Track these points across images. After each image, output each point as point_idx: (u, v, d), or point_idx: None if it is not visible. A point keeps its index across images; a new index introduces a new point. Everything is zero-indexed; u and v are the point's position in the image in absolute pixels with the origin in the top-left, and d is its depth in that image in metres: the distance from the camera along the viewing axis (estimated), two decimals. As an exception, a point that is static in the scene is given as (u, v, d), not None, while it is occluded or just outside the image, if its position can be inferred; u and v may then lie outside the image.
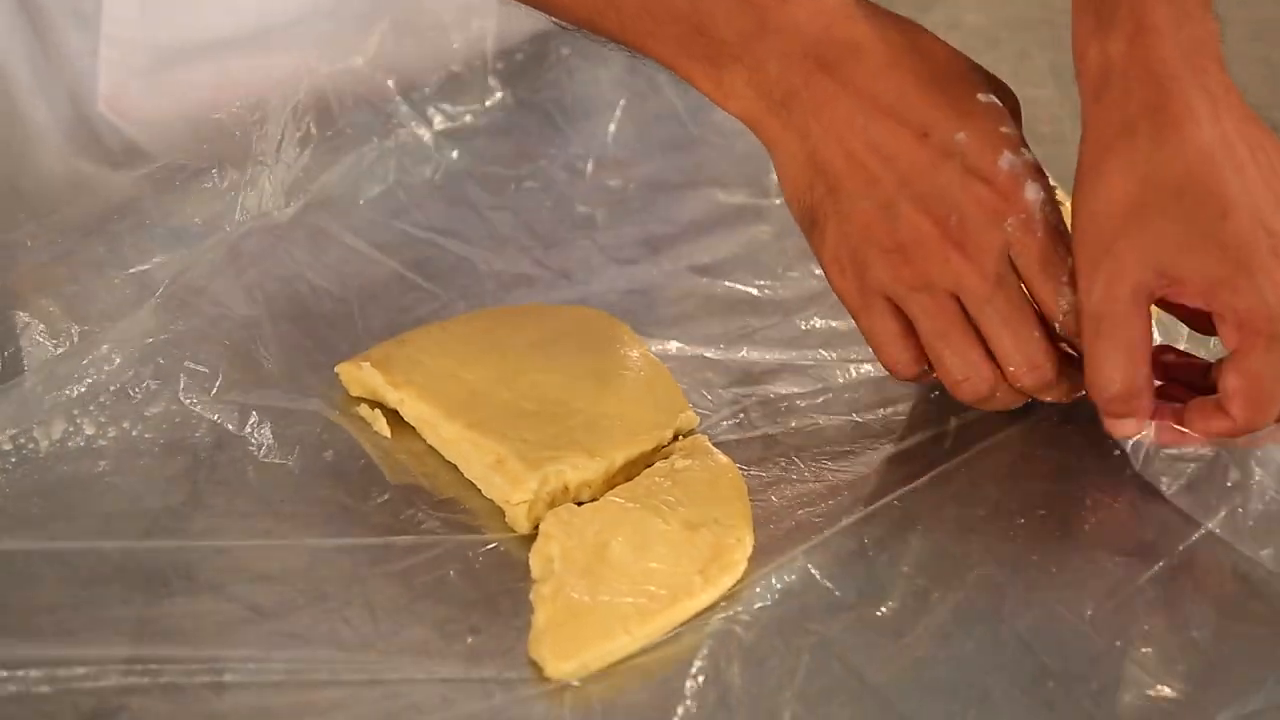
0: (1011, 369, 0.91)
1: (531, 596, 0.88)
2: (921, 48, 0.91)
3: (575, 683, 0.84)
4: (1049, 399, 0.94)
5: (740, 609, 0.88)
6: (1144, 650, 0.87)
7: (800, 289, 1.08)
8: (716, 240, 1.12)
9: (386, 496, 0.93)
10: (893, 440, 0.98)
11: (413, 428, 0.97)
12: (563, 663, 0.85)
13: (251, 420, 0.95)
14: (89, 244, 1.01)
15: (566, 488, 0.93)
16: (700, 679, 0.84)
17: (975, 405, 0.94)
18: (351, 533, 0.91)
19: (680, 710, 0.83)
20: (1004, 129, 0.90)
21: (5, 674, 0.82)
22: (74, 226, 1.02)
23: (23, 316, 0.97)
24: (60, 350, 0.96)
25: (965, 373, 0.91)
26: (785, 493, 0.94)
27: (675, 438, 0.97)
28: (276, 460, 0.94)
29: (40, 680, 0.82)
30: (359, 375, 0.98)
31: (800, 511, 0.93)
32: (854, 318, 0.93)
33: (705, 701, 0.83)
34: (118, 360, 0.97)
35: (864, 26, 0.91)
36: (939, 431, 0.98)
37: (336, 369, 0.99)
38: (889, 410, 0.99)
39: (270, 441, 0.95)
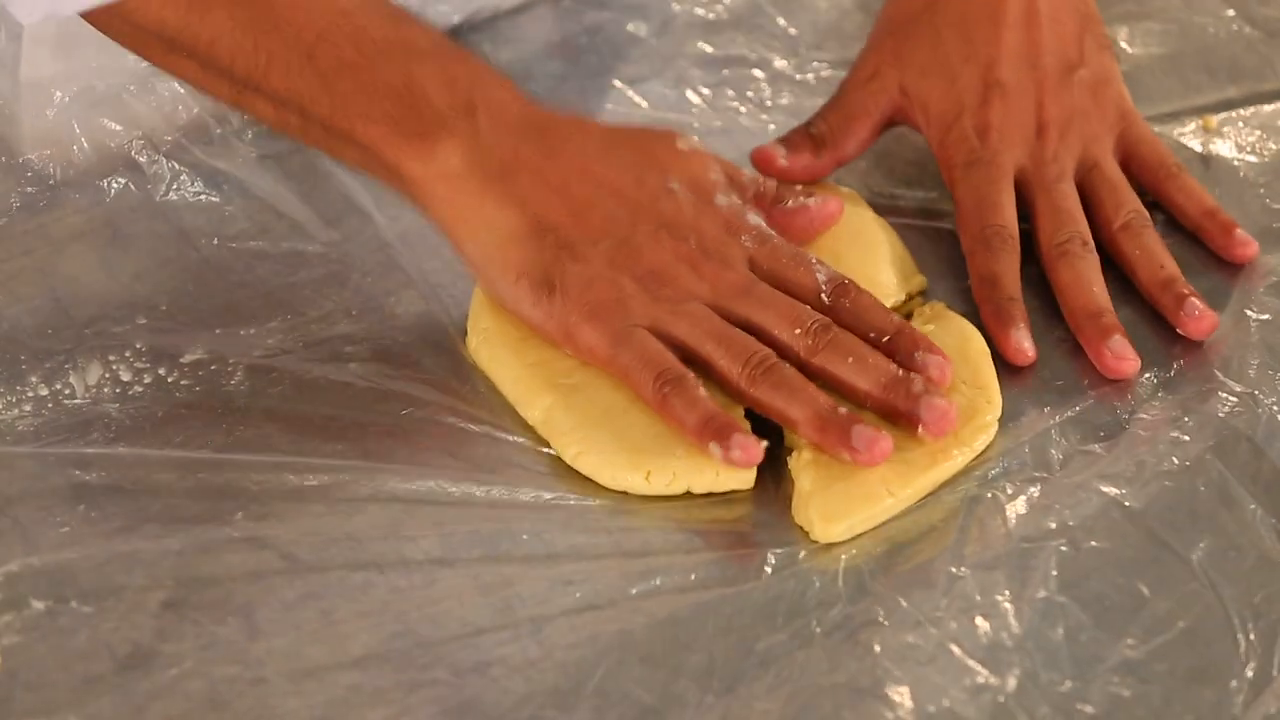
0: (784, 339, 0.92)
1: (790, 465, 0.92)
2: (612, 125, 0.98)
3: (843, 545, 0.88)
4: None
5: (995, 470, 0.91)
6: None
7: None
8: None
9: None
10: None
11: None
12: (831, 525, 0.89)
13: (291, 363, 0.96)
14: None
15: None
16: (964, 537, 0.88)
17: (771, 408, 0.92)
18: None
19: (949, 568, 0.87)
20: (711, 175, 0.96)
21: (42, 614, 0.83)
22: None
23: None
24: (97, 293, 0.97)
25: (744, 356, 0.91)
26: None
27: (907, 300, 1.00)
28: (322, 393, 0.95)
29: (76, 624, 0.83)
30: None
31: (1044, 373, 0.97)
32: (610, 363, 0.92)
33: (973, 557, 0.87)
34: (161, 305, 0.98)
35: (554, 110, 0.96)
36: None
37: None
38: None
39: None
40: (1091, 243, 1.00)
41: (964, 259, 1.01)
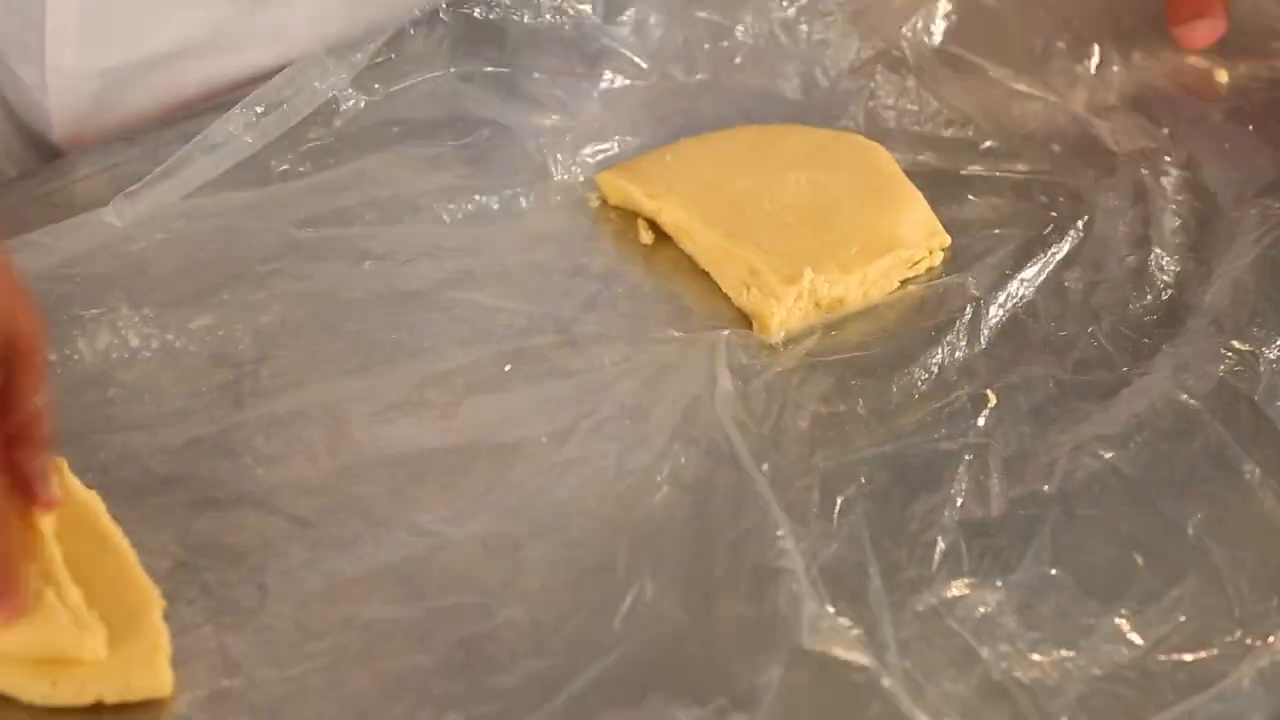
0: None
1: None
2: None
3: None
4: None
5: (989, 420, 0.91)
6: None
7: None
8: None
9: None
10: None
11: (669, 237, 1.00)
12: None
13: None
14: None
15: (819, 303, 0.96)
16: (957, 495, 0.88)
17: None
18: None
19: (942, 529, 0.86)
20: None
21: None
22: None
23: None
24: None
25: None
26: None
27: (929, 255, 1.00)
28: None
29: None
30: (618, 184, 1.01)
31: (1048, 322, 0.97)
32: None
33: (965, 519, 0.87)
34: (165, 269, 0.97)
35: None
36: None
37: (596, 178, 1.02)
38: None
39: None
40: None
41: (983, 220, 1.02)
